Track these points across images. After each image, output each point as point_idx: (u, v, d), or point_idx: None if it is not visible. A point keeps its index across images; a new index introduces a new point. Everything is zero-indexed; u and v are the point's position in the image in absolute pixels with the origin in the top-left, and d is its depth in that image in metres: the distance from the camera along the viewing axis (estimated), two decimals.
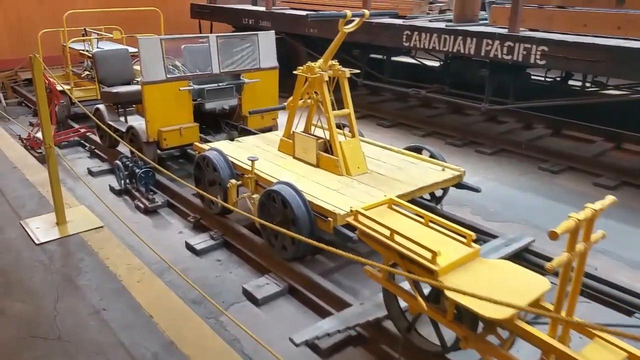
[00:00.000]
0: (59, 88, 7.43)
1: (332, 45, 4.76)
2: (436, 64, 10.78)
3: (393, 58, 9.93)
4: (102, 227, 4.34)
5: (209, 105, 6.51)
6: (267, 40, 6.88)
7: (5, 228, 4.24)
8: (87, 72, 9.80)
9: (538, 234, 5.42)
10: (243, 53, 6.71)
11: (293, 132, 5.22)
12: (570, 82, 9.26)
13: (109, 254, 4.02)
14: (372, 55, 9.86)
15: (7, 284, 3.64)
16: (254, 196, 4.57)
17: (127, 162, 6.16)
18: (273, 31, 6.90)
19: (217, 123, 7.00)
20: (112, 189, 6.39)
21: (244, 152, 5.43)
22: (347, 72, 4.90)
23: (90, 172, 6.94)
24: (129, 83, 7.47)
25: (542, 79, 9.31)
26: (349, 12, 4.57)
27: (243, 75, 6.76)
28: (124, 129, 6.70)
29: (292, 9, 11.08)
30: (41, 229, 4.24)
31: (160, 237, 5.25)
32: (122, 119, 7.26)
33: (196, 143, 5.65)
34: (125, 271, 3.85)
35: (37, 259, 3.87)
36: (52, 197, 4.08)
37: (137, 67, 7.51)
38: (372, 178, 4.78)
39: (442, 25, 7.89)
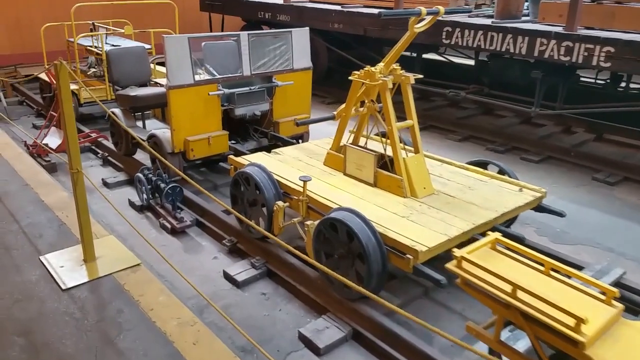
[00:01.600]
0: None
1: (398, 47, 4.11)
2: (465, 61, 10.14)
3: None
4: (138, 264, 3.67)
5: (239, 111, 5.85)
6: (301, 38, 6.22)
7: (23, 267, 3.55)
8: (93, 70, 9.10)
9: (617, 260, 4.84)
10: (276, 52, 6.05)
11: (344, 145, 4.57)
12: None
13: (151, 303, 3.34)
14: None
15: (32, 347, 2.94)
16: (308, 223, 3.92)
17: (150, 175, 5.50)
18: (307, 28, 6.22)
19: (246, 130, 6.34)
20: (132, 203, 5.74)
21: (287, 167, 4.79)
22: (411, 77, 4.25)
23: (105, 184, 6.28)
24: (145, 84, 6.79)
25: (593, 80, 8.68)
26: (423, 9, 3.93)
27: (275, 77, 6.09)
28: (143, 137, 6.03)
29: (312, 1, 10.41)
30: (66, 268, 3.54)
31: (194, 265, 4.62)
32: (138, 123, 6.58)
33: (232, 157, 5.00)
34: (176, 328, 3.18)
35: (66, 311, 3.19)
36: (80, 230, 3.41)
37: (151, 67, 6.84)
38: (441, 201, 4.15)
39: (487, 22, 7.24)
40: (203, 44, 5.82)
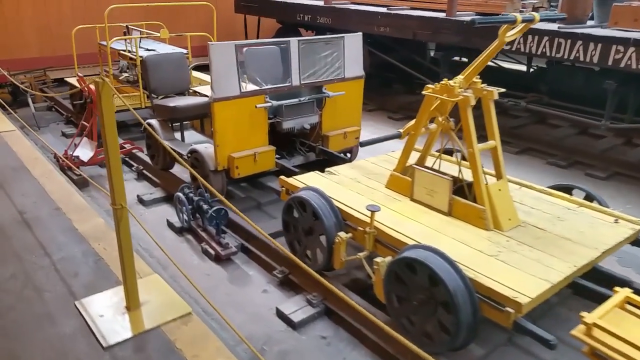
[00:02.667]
0: None
1: (482, 58, 3.57)
2: (512, 65, 9.53)
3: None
4: (189, 313, 3.18)
5: (287, 125, 5.36)
6: (354, 44, 5.71)
7: (57, 315, 3.04)
8: (125, 75, 8.69)
9: None
10: (327, 60, 5.54)
11: (412, 167, 4.04)
12: None
13: None
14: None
15: None
16: (378, 260, 3.40)
17: (191, 195, 5.04)
18: (360, 33, 5.70)
19: (292, 144, 5.84)
20: (170, 224, 5.28)
21: (346, 191, 4.28)
22: (495, 92, 3.70)
23: (140, 201, 5.83)
24: (183, 93, 6.34)
25: None
26: (518, 17, 3.38)
27: (325, 87, 5.58)
28: (183, 152, 5.57)
29: (354, 4, 9.89)
30: (107, 318, 3.02)
31: (242, 299, 4.13)
32: (177, 134, 6.12)
33: (283, 178, 4.49)
34: None
35: None
36: (122, 272, 2.92)
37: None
38: (531, 235, 3.59)
39: (552, 27, 6.64)
40: (245, 49, 5.33)
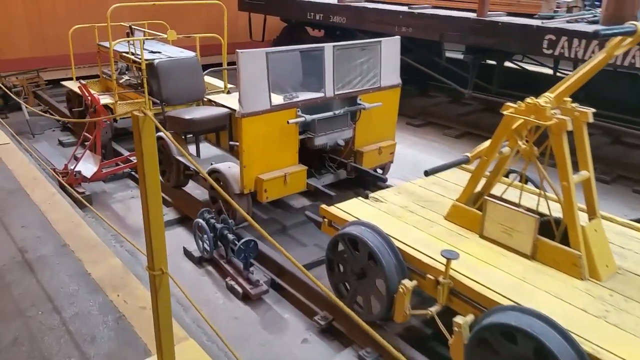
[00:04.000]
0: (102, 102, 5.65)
1: (584, 73, 2.98)
2: (536, 68, 8.96)
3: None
4: None
5: (319, 141, 4.75)
6: (391, 49, 5.11)
7: None
8: (125, 78, 8.03)
9: None
10: (362, 67, 4.93)
11: (484, 198, 3.44)
12: None
13: None
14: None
15: None
16: (459, 321, 2.80)
17: (212, 221, 4.42)
18: (398, 37, 5.10)
19: (321, 160, 5.23)
20: (188, 253, 4.65)
21: (401, 224, 3.69)
22: (589, 113, 3.11)
23: None
24: (197, 102, 5.70)
25: None
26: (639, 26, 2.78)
27: (360, 98, 4.97)
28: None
29: (369, 2, 9.26)
30: None
31: (280, 351, 3.55)
32: (190, 147, 5.48)
33: (325, 207, 3.88)
34: None
35: None
36: (157, 347, 2.28)
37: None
38: (635, 286, 3.01)
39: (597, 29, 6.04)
40: (273, 57, 4.63)
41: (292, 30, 11.00)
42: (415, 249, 3.30)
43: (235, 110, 5.16)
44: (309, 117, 4.51)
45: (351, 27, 8.79)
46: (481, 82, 7.80)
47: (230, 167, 4.61)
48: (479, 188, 3.63)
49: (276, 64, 4.31)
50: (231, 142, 5.43)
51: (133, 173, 6.24)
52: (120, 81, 8.06)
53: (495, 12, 7.31)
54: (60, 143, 7.40)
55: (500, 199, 3.47)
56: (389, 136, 5.42)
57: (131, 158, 6.23)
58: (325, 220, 3.88)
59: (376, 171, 5.33)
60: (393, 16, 8.00)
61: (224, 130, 5.42)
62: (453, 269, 3.04)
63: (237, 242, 4.20)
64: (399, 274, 3.25)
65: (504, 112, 3.25)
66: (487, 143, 3.54)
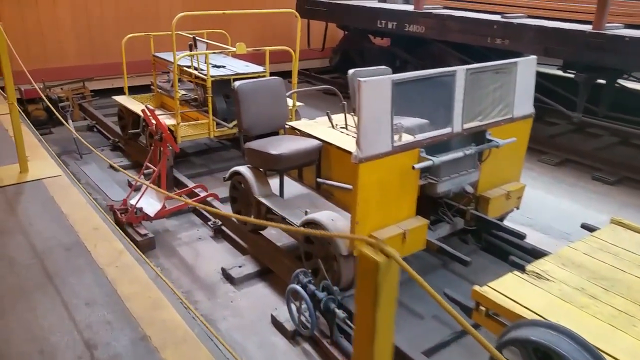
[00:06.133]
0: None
1: None
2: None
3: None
4: None
5: (443, 187, 3.80)
6: (526, 72, 4.15)
7: None
8: (182, 93, 7.21)
9: None
10: (495, 95, 3.97)
11: None
12: None
13: None
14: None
15: None
16: None
17: (312, 287, 3.51)
18: (534, 57, 4.13)
19: (434, 207, 4.27)
20: (277, 322, 3.75)
21: (593, 322, 2.74)
22: None
23: (228, 277, 4.32)
24: (276, 132, 4.82)
25: None
26: None
27: (489, 132, 4.01)
28: (290, 217, 4.05)
29: (448, 8, 8.30)
30: None
31: None
32: (271, 182, 4.60)
33: (479, 290, 2.93)
34: None
35: None
36: None
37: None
38: None
39: None
40: (393, 82, 3.62)
41: (354, 39, 10.09)
42: None
43: (327, 142, 4.31)
44: (437, 160, 3.57)
45: (430, 37, 7.83)
46: (587, 105, 6.76)
47: (333, 220, 3.69)
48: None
49: (401, 94, 3.38)
50: (319, 180, 4.54)
51: (198, 208, 5.38)
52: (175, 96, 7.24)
53: (611, 23, 6.29)
54: (112, 167, 6.58)
55: None
56: (515, 177, 4.46)
57: (197, 190, 5.39)
58: (482, 308, 2.92)
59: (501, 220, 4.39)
60: (486, 26, 7.02)
61: (311, 165, 4.52)
62: None
63: (348, 322, 3.30)
64: None
65: None
66: None
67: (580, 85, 6.40)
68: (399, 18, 8.21)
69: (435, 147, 3.75)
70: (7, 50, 4.50)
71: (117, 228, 3.99)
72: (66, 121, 7.05)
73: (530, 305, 2.81)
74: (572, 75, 6.86)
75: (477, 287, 2.96)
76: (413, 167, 3.50)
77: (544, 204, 5.84)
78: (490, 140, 3.98)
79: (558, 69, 7.67)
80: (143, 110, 4.80)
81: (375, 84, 3.20)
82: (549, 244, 4.96)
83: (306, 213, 3.99)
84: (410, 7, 8.31)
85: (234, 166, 6.62)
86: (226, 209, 5.09)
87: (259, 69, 6.38)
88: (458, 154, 3.75)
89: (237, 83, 4.41)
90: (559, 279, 3.10)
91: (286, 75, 6.33)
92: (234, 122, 6.25)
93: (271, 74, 6.14)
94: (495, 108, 4.02)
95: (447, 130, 3.75)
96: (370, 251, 1.13)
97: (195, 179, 6.18)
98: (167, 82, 8.18)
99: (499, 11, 7.61)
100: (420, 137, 3.62)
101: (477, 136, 4.01)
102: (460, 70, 3.67)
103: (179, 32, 6.62)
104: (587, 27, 6.19)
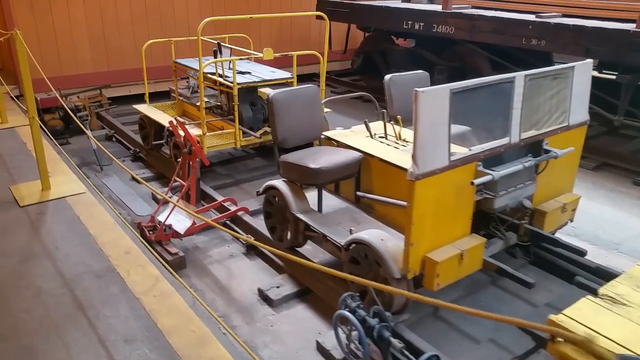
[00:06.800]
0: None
1: None
2: None
3: None
4: None
5: (500, 202, 3.53)
6: (582, 77, 3.87)
7: None
8: (205, 100, 6.95)
9: None
10: (551, 102, 3.69)
11: None
12: None
13: None
14: None
15: None
16: None
17: (362, 312, 3.24)
18: (590, 61, 3.84)
19: (485, 222, 3.99)
20: (323, 350, 3.49)
21: None
22: None
23: (266, 299, 4.06)
24: (311, 144, 4.56)
25: None
26: None
27: (546, 141, 3.73)
28: (335, 236, 3.79)
29: (477, 8, 8.01)
30: None
31: None
32: (307, 195, 4.33)
33: (555, 319, 2.63)
34: None
35: None
36: None
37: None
38: None
39: None
40: (451, 92, 3.30)
41: (376, 40, 9.82)
42: None
43: (369, 154, 4.05)
44: (497, 174, 3.29)
45: (460, 38, 7.54)
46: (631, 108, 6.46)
47: (383, 240, 3.41)
48: None
49: (459, 104, 3.11)
50: (359, 193, 4.28)
51: (228, 222, 5.13)
52: (197, 103, 7.01)
53: None
54: (134, 179, 6.35)
55: None
56: (568, 187, 4.18)
57: (226, 204, 5.14)
58: (562, 342, 2.63)
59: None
60: (520, 27, 6.72)
61: (351, 177, 4.26)
62: None
63: (405, 352, 3.03)
64: None
65: None
66: None
67: (623, 87, 6.09)
68: (426, 19, 7.93)
69: (490, 159, 3.48)
70: (27, 60, 4.26)
71: (149, 247, 3.73)
72: (86, 132, 6.84)
73: (613, 336, 2.52)
74: (611, 77, 6.56)
75: (553, 317, 2.67)
76: (472, 183, 3.23)
77: (587, 212, 5.54)
78: (549, 151, 3.69)
79: (593, 69, 7.36)
80: (171, 122, 4.55)
81: (433, 94, 2.93)
82: (600, 257, 4.69)
83: (351, 232, 3.72)
84: (437, 7, 8.02)
85: (259, 176, 6.46)
86: (257, 223, 4.84)
87: (286, 74, 6.13)
88: (517, 166, 3.47)
89: (271, 92, 4.15)
90: (637, 303, 2.80)
91: (304, 78, 6.09)
92: (261, 131, 6.02)
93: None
94: (552, 116, 3.74)
95: (505, 140, 3.47)
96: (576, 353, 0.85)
97: (220, 191, 5.95)
98: (186, 89, 7.95)
99: (531, 10, 7.31)
100: (476, 149, 3.34)
101: (533, 146, 3.73)
102: (519, 76, 3.39)
103: (203, 38, 6.38)
104: (631, 26, 5.87)
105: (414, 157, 2.98)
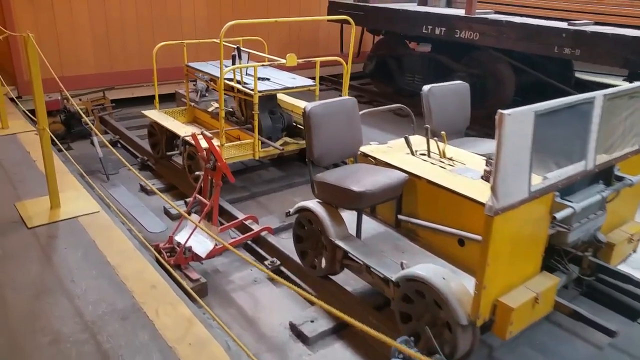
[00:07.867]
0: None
1: None
2: None
3: None
4: None
5: (574, 236, 3.17)
6: None
7: None
8: (216, 106, 6.59)
9: None
10: (625, 123, 3.32)
11: None
12: None
13: None
14: None
15: None
16: None
17: None
18: None
19: (548, 255, 3.60)
20: None
21: None
22: None
23: (299, 335, 3.66)
24: (344, 162, 4.16)
25: None
26: None
27: (618, 167, 3.36)
28: (382, 269, 3.39)
29: (500, 13, 7.66)
30: None
31: None
32: (344, 217, 3.93)
33: None
34: None
35: None
36: None
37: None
38: None
39: None
40: (536, 114, 2.79)
41: (390, 44, 9.43)
42: None
43: (415, 175, 3.66)
44: (577, 206, 2.91)
45: (484, 45, 7.18)
46: None
47: (445, 279, 3.02)
48: None
49: (541, 128, 2.72)
50: (400, 216, 3.89)
51: (250, 243, 4.73)
52: (209, 109, 6.60)
53: None
54: (143, 190, 5.92)
55: None
56: (630, 215, 3.81)
57: (248, 223, 4.73)
58: None
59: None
60: (552, 34, 6.36)
61: (392, 200, 3.87)
62: None
63: None
64: None
65: None
66: None
67: None
68: (448, 24, 7.56)
69: (568, 189, 3.10)
70: (39, 66, 3.81)
71: (175, 274, 3.29)
72: (94, 140, 6.39)
73: None
74: None
75: None
76: (554, 218, 2.84)
77: None
78: (622, 178, 3.32)
79: (624, 79, 7.06)
80: (193, 135, 4.13)
81: (518, 117, 2.54)
82: None
83: (402, 265, 3.32)
84: (459, 12, 7.65)
85: (277, 189, 6.04)
86: (282, 244, 4.45)
87: (308, 82, 5.73)
88: (595, 197, 3.09)
89: (308, 106, 3.75)
90: None
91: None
92: (280, 141, 5.62)
93: None
94: (624, 138, 3.36)
95: (581, 167, 3.09)
96: None
97: (237, 205, 5.54)
98: (193, 92, 7.54)
99: (560, 17, 6.96)
100: (552, 176, 2.95)
101: (604, 172, 3.36)
102: (599, 96, 3.01)
103: (215, 40, 5.96)
104: None
105: (493, 189, 2.59)
